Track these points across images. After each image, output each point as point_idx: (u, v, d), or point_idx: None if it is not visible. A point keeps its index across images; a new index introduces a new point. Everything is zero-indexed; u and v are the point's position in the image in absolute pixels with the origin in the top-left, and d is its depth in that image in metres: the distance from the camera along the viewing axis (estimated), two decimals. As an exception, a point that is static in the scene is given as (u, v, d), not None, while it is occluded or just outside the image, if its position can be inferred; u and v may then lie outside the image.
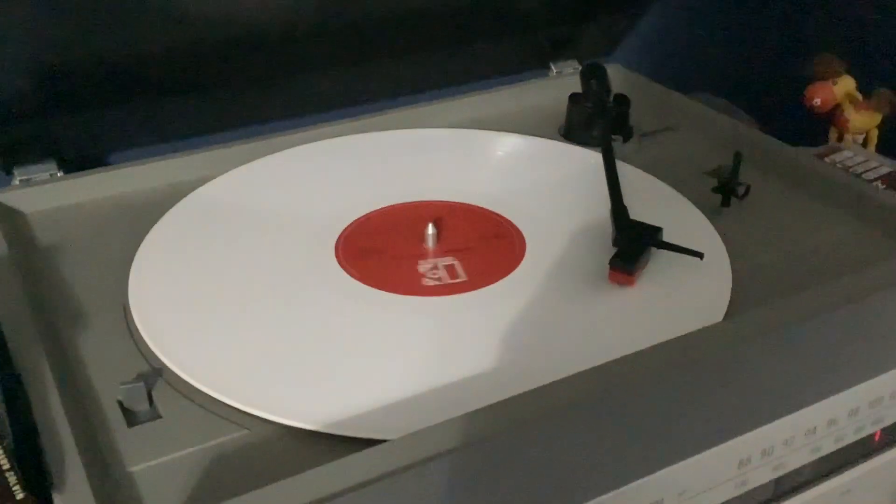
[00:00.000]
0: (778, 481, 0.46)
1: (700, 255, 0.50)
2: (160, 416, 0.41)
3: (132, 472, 0.39)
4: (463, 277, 0.51)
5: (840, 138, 0.76)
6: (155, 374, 0.44)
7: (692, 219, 0.56)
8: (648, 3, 0.80)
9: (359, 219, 0.56)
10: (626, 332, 0.47)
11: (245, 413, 0.41)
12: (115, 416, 0.41)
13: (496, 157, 0.66)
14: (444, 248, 0.54)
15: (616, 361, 0.40)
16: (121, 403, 0.42)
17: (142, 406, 0.42)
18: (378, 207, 0.57)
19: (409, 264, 0.52)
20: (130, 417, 0.41)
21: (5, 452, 0.38)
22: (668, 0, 0.83)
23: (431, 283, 0.50)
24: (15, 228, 0.55)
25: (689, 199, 0.58)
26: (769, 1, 0.88)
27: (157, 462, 0.39)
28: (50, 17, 0.54)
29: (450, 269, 0.52)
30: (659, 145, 0.66)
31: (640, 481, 0.41)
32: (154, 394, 0.43)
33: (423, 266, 0.52)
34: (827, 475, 0.48)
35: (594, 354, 0.41)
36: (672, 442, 0.41)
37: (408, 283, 0.50)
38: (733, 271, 0.50)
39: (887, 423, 0.49)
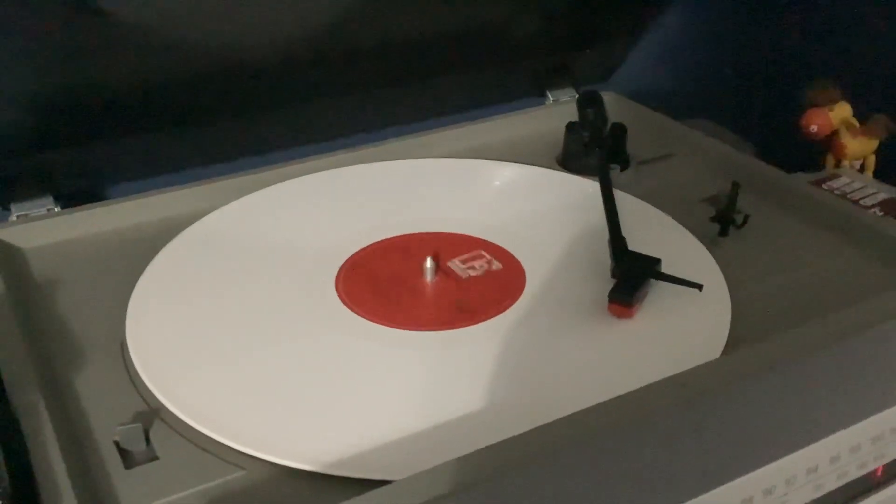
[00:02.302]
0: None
1: (699, 287, 0.50)
2: (157, 458, 0.41)
3: (129, 516, 0.38)
4: (463, 310, 0.51)
5: (837, 164, 0.76)
6: (152, 413, 0.44)
7: (691, 249, 0.56)
8: (645, 31, 0.80)
9: (357, 252, 0.56)
10: (625, 367, 0.46)
11: (243, 454, 0.41)
12: (111, 458, 0.41)
13: (493, 186, 0.66)
14: (442, 280, 0.53)
15: (615, 400, 0.40)
16: (118, 444, 0.42)
17: (139, 447, 0.41)
18: (376, 240, 0.57)
19: (408, 298, 0.52)
20: (127, 459, 0.41)
21: (2, 495, 0.38)
22: (664, 27, 0.83)
23: (433, 316, 0.50)
24: (12, 264, 0.55)
25: (688, 228, 0.58)
26: (765, 28, 0.88)
27: (155, 505, 0.39)
28: (45, 51, 0.54)
29: (448, 303, 0.52)
30: (656, 173, 0.66)
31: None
32: (151, 433, 0.42)
33: (424, 299, 0.52)
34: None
35: (595, 390, 0.41)
36: (673, 483, 0.41)
37: (408, 318, 0.50)
38: (732, 302, 0.50)
39: (889, 458, 0.48)
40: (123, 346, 0.48)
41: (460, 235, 0.58)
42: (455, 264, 0.53)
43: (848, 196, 0.69)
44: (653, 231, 0.57)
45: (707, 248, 0.55)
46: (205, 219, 0.59)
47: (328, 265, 0.55)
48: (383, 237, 0.58)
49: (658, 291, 0.51)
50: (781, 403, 0.43)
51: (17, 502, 0.39)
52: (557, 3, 0.73)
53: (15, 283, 0.53)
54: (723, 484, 0.42)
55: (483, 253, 0.54)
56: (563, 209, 0.61)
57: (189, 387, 0.44)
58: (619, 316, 0.49)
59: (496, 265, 0.52)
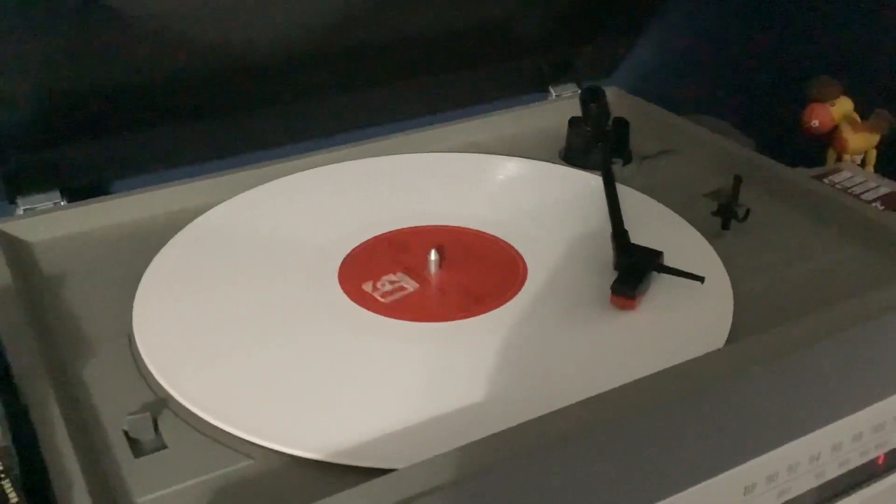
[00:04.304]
0: (784, 507, 0.46)
1: (701, 280, 0.50)
2: (165, 447, 0.42)
3: (138, 504, 0.39)
4: (465, 302, 0.51)
5: (838, 159, 0.76)
6: (160, 403, 0.44)
7: (693, 242, 0.56)
8: (647, 26, 0.81)
9: (360, 245, 0.56)
10: (628, 358, 0.47)
11: (250, 443, 0.41)
12: (120, 447, 0.42)
13: (497, 180, 0.66)
14: (446, 273, 0.54)
15: (618, 389, 0.40)
16: (126, 434, 0.42)
17: (147, 436, 0.42)
18: (380, 233, 0.58)
19: (412, 291, 0.52)
20: (136, 447, 0.42)
21: (13, 484, 0.39)
22: (667, 23, 0.84)
23: (433, 308, 0.51)
24: (19, 258, 0.56)
25: (690, 221, 0.58)
26: (768, 23, 0.89)
27: (163, 493, 0.39)
28: (52, 46, 0.54)
29: (451, 295, 0.52)
30: (659, 168, 0.67)
31: (645, 510, 0.41)
32: (159, 423, 0.43)
33: (428, 291, 0.52)
34: (831, 500, 0.48)
35: (598, 380, 0.41)
36: (677, 470, 0.41)
37: (411, 310, 0.50)
38: (734, 294, 0.51)
39: (891, 446, 0.49)
40: (131, 338, 0.48)
41: (464, 229, 0.58)
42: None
43: (849, 190, 0.69)
44: (655, 225, 0.58)
45: (709, 242, 0.56)
46: (210, 213, 0.60)
47: (331, 258, 0.55)
48: (387, 230, 0.58)
49: (660, 284, 0.51)
50: (783, 392, 0.43)
51: (28, 491, 0.39)
52: (560, -2, 0.74)
53: (23, 277, 0.53)
54: (726, 471, 0.42)
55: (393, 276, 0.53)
56: (566, 203, 0.62)
57: (196, 377, 0.45)
58: (622, 308, 0.50)
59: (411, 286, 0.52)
